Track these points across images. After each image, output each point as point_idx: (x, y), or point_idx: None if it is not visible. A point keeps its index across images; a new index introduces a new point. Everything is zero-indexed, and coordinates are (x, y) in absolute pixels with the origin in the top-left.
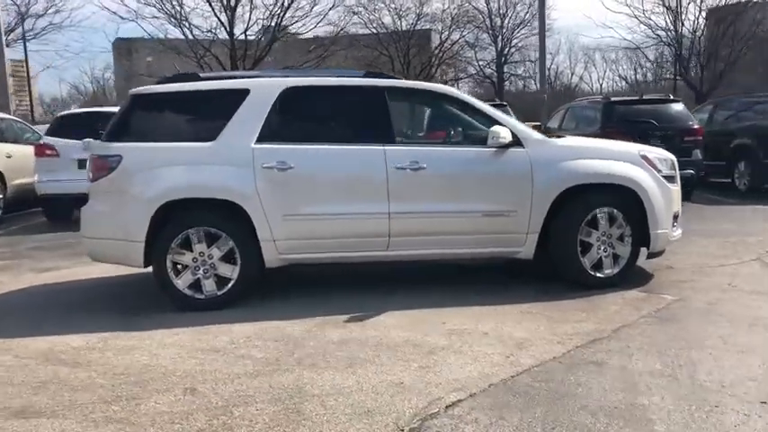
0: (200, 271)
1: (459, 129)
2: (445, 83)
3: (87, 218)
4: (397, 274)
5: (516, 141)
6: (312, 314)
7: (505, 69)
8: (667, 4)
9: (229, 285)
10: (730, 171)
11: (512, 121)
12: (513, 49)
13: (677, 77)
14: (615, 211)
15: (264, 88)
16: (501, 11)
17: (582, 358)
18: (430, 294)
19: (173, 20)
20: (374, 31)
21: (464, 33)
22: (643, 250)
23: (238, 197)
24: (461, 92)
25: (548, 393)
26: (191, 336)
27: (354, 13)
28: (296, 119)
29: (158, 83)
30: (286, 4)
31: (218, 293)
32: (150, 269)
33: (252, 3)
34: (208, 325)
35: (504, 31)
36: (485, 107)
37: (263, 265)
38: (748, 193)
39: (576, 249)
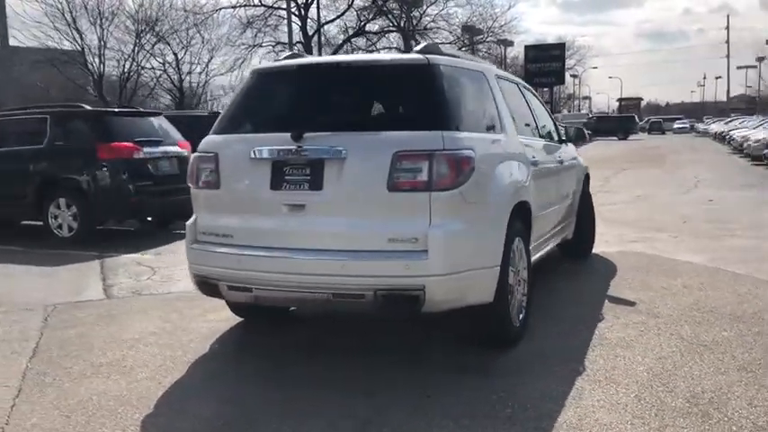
0: (520, 292)
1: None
2: None
3: (451, 245)
4: None
5: None
6: None
7: None
8: None
9: (524, 305)
10: None
11: None
12: None
13: None
14: None
15: (489, 71)
16: None
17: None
18: None
19: None
20: None
21: None
22: None
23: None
24: None
25: None
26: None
27: None
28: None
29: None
30: None
31: (521, 318)
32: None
33: None
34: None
35: None
36: None
37: None
38: None
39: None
